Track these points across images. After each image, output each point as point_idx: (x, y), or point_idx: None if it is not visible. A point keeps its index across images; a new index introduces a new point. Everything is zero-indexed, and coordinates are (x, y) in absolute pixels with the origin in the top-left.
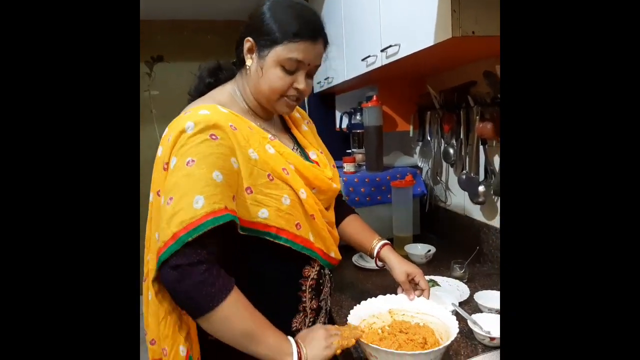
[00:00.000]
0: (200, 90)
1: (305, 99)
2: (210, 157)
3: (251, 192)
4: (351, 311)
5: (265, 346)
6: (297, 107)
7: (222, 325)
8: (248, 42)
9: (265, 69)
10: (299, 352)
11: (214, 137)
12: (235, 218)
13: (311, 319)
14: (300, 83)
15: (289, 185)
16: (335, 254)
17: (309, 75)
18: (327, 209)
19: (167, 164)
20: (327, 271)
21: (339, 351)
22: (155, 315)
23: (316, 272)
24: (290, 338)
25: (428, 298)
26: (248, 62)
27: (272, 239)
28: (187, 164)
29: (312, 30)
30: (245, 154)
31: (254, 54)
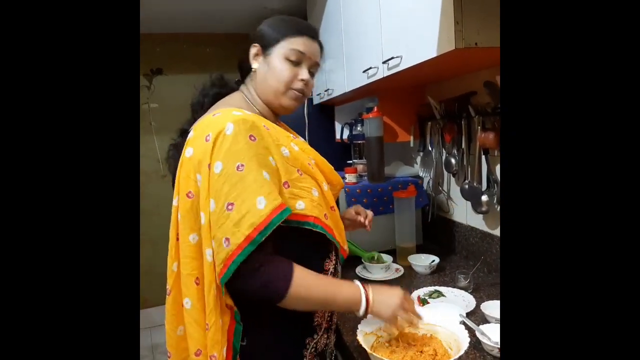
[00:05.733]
0: (203, 102)
1: (305, 111)
2: (255, 157)
3: (288, 186)
4: (359, 325)
5: (342, 301)
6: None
7: (298, 303)
8: (255, 47)
9: (271, 65)
10: (366, 298)
11: (252, 138)
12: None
13: (329, 314)
14: (304, 74)
15: (314, 179)
16: (346, 246)
17: (311, 74)
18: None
19: (210, 165)
20: (339, 267)
21: (399, 328)
22: (199, 323)
23: (333, 267)
24: (358, 284)
25: (370, 223)
26: (255, 65)
27: (310, 228)
28: (237, 169)
29: (309, 30)
30: (278, 151)
31: (260, 56)
